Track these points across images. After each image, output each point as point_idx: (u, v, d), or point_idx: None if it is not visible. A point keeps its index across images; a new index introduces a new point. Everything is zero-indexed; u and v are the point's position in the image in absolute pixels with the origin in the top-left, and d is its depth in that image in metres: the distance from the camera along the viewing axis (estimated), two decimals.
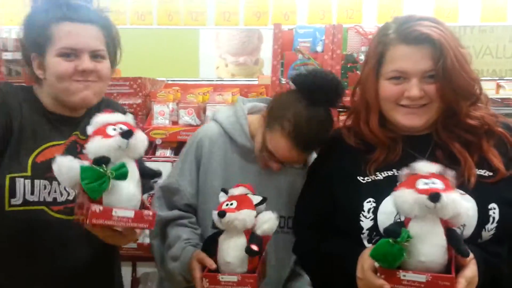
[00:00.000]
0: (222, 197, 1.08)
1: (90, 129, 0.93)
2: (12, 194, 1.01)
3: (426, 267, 0.81)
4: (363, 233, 0.95)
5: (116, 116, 0.95)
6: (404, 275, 0.80)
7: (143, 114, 2.02)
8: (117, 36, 1.16)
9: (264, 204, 1.06)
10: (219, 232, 1.06)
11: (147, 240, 1.70)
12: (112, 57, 1.13)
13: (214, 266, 1.03)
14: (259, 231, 1.04)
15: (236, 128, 1.21)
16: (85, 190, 0.85)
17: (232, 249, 1.02)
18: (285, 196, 1.20)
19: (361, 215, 0.96)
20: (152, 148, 1.98)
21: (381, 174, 0.99)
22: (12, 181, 1.01)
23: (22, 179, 1.02)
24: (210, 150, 1.21)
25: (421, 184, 0.83)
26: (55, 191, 1.06)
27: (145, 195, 1.06)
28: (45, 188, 1.04)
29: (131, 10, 2.70)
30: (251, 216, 1.03)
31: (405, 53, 0.93)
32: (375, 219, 0.95)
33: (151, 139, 1.87)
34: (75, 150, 1.06)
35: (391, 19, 1.02)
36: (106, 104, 1.18)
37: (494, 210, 0.91)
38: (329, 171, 1.06)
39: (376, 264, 0.84)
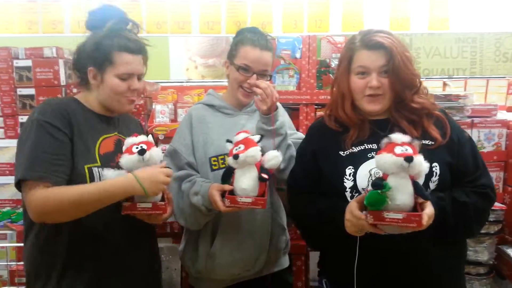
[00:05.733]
0: (229, 146, 1.43)
1: (123, 148, 1.34)
2: (92, 179, 1.30)
3: (401, 208, 1.10)
4: (346, 191, 1.28)
5: (140, 138, 1.35)
6: (387, 214, 1.10)
7: (145, 114, 2.28)
8: (147, 56, 1.48)
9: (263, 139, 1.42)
10: (233, 168, 1.40)
11: None
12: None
13: (230, 188, 1.39)
14: (266, 166, 1.38)
15: (211, 98, 1.69)
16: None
17: (247, 179, 1.36)
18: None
19: (344, 178, 1.28)
20: (155, 143, 2.24)
21: (356, 148, 1.32)
22: (90, 170, 1.31)
23: (96, 168, 1.32)
24: (197, 117, 1.64)
25: (397, 150, 1.12)
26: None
27: None
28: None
29: None
30: (257, 151, 1.37)
31: (367, 55, 1.30)
32: (354, 180, 1.28)
33: (155, 135, 2.14)
34: (121, 144, 1.39)
35: (357, 31, 1.38)
36: (124, 115, 1.54)
37: (436, 168, 1.26)
38: (315, 149, 1.39)
39: (363, 213, 1.14)
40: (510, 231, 1.97)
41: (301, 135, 1.72)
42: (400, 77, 1.28)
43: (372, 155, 1.29)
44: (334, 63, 2.18)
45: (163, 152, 1.43)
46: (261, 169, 1.38)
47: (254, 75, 1.57)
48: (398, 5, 2.91)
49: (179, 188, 1.55)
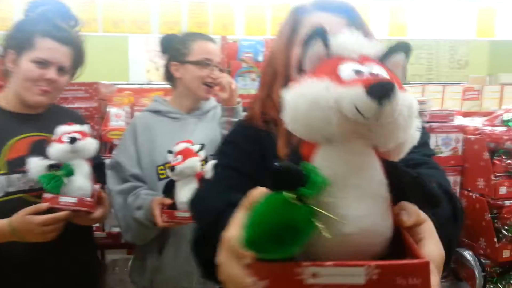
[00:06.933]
0: (170, 157, 1.35)
1: (53, 138, 1.24)
2: None
3: (354, 245, 0.40)
4: None
5: (74, 127, 1.25)
6: (315, 273, 0.37)
7: (99, 117, 2.16)
8: (83, 56, 1.39)
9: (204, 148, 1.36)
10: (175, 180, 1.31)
11: (114, 230, 1.87)
12: (74, 71, 1.39)
13: (170, 201, 1.31)
14: (207, 176, 1.30)
15: (157, 104, 1.63)
16: (47, 190, 1.16)
17: (187, 192, 1.28)
18: (199, 141, 1.45)
19: None
20: (108, 148, 2.13)
21: None
22: None
23: (1, 176, 1.23)
24: (142, 126, 1.56)
25: (347, 71, 0.43)
26: (30, 181, 1.25)
27: None
28: (19, 180, 1.25)
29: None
30: (196, 162, 1.30)
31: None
32: None
33: (109, 140, 2.03)
34: (41, 145, 1.27)
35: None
36: (58, 110, 1.43)
37: None
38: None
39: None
40: (467, 234, 2.01)
41: None
42: None
43: None
44: None
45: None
46: (202, 180, 1.30)
47: (215, 68, 1.55)
48: (361, 11, 2.94)
49: (124, 202, 1.46)
